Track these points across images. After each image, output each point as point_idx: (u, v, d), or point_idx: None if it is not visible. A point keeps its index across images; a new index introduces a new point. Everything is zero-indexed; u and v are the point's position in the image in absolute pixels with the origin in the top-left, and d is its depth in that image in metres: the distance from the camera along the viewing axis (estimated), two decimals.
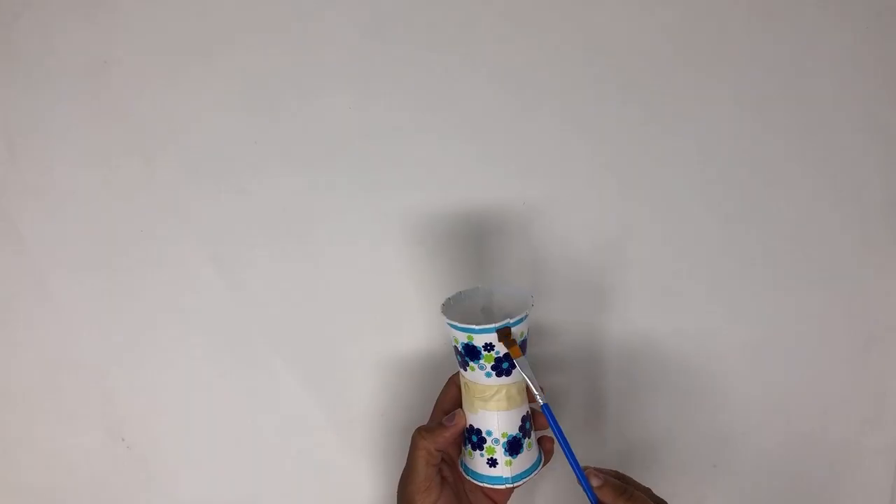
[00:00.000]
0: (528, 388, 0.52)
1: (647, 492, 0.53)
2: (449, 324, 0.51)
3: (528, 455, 0.54)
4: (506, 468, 0.53)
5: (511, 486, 0.53)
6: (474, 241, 0.64)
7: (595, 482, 0.50)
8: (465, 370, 0.53)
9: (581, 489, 0.51)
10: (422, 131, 0.63)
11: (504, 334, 0.50)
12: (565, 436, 0.50)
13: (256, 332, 0.64)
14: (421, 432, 0.54)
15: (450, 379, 0.58)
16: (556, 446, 0.53)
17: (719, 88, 0.64)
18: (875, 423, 0.69)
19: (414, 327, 0.65)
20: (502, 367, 0.51)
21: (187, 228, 0.62)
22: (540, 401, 0.50)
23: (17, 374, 0.63)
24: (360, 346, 0.65)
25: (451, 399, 0.57)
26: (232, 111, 0.61)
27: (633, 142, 0.64)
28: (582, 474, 0.50)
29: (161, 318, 0.63)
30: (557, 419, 0.50)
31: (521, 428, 0.54)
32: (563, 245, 0.65)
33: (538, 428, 0.57)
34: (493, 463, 0.53)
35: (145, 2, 0.60)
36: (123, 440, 0.64)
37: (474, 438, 0.54)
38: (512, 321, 0.50)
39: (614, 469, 0.54)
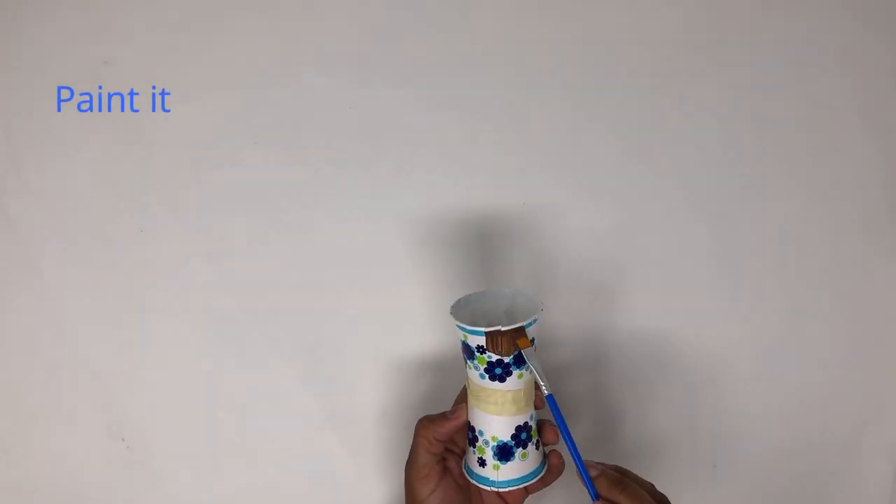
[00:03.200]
0: (529, 395, 0.52)
1: (647, 486, 0.53)
2: (455, 322, 0.51)
3: (521, 464, 0.53)
4: (493, 471, 0.53)
5: (497, 489, 0.53)
6: (476, 240, 0.64)
7: (592, 472, 0.51)
8: (466, 367, 0.53)
9: (581, 483, 0.51)
10: (423, 130, 0.63)
11: (495, 339, 0.49)
12: (568, 427, 0.50)
13: (256, 332, 0.64)
14: (423, 421, 0.55)
15: None
16: (569, 462, 0.53)
17: (719, 89, 0.64)
18: (875, 423, 0.69)
19: (415, 326, 0.65)
20: (494, 371, 0.51)
21: (187, 227, 0.62)
22: (545, 391, 0.49)
23: (17, 374, 0.63)
24: (360, 344, 0.65)
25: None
26: (232, 111, 0.61)
27: (633, 142, 0.64)
28: (582, 465, 0.51)
29: (161, 317, 0.63)
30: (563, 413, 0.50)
31: (515, 437, 0.52)
32: (564, 247, 0.65)
33: (548, 443, 0.55)
34: (482, 463, 0.53)
35: (145, 2, 0.60)
36: (123, 440, 0.64)
37: (470, 435, 0.54)
38: (504, 328, 0.49)
39: (616, 465, 0.54)
